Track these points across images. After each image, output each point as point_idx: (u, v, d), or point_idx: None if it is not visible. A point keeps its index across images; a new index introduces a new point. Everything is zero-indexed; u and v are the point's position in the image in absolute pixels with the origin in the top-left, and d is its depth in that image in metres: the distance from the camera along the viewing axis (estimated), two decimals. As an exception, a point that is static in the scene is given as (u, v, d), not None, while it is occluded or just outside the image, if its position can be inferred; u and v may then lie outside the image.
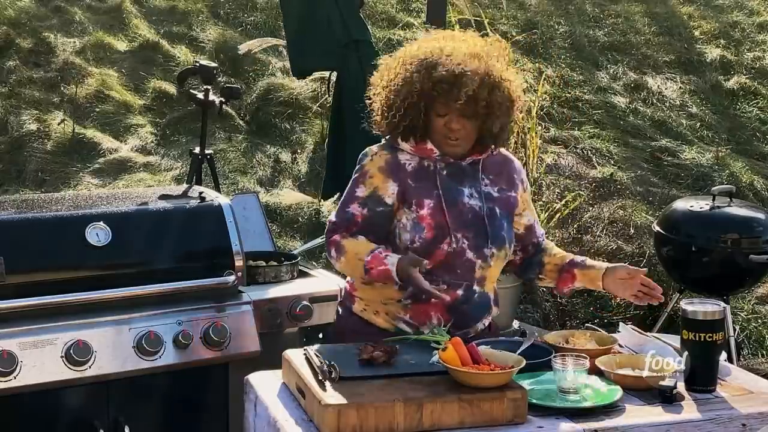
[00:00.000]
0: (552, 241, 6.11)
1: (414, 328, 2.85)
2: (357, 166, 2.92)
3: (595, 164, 7.68)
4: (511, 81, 2.86)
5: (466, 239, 2.82)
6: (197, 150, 5.30)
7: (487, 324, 2.98)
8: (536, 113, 6.41)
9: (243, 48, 7.83)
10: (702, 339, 2.56)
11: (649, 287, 2.87)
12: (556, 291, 3.11)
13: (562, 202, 6.42)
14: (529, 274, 3.11)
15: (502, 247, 2.89)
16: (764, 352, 5.57)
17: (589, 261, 3.01)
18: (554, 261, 3.05)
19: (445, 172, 2.86)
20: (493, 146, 2.91)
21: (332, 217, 2.91)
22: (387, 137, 2.93)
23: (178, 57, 8.65)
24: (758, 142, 8.43)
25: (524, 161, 6.26)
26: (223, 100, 5.26)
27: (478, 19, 6.61)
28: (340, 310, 3.04)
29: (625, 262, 6.24)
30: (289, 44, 5.90)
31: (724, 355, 2.97)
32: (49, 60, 8.49)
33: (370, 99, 2.95)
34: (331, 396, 2.31)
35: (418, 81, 2.76)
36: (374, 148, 2.93)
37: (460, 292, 2.85)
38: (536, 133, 6.42)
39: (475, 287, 2.87)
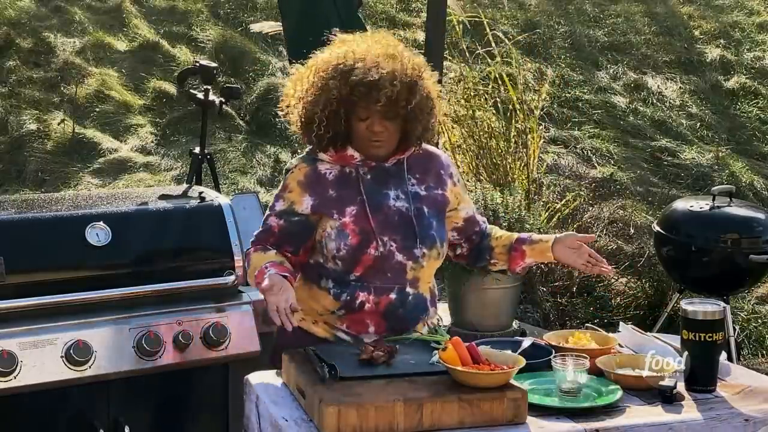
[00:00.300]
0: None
1: (352, 337, 2.81)
2: (282, 180, 2.90)
3: (595, 164, 7.68)
4: (427, 79, 2.82)
5: (393, 242, 2.76)
6: (197, 150, 5.30)
7: (430, 327, 2.91)
8: (537, 113, 6.41)
9: (255, 27, 7.83)
10: (702, 339, 2.56)
11: (596, 258, 2.88)
12: (510, 272, 3.08)
13: (562, 202, 6.43)
14: (480, 262, 3.07)
15: (433, 247, 2.83)
16: (764, 352, 5.58)
17: (535, 236, 2.99)
18: (501, 243, 3.00)
19: (368, 177, 2.81)
20: (416, 145, 2.87)
21: (256, 230, 2.90)
22: (306, 150, 2.88)
23: (178, 57, 8.66)
24: (758, 142, 8.43)
25: (525, 161, 6.27)
26: (223, 100, 5.26)
27: (477, 19, 6.61)
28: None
29: (625, 262, 6.27)
30: (287, 44, 5.90)
31: (724, 355, 2.96)
32: (49, 60, 8.50)
33: (283, 111, 2.89)
34: (331, 396, 2.31)
35: (335, 88, 2.70)
36: (295, 161, 2.89)
37: (393, 295, 2.79)
38: (537, 133, 6.42)
39: (408, 289, 2.81)
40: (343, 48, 2.78)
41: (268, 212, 2.88)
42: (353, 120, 2.75)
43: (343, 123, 2.74)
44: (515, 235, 3.02)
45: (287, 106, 2.86)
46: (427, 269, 2.85)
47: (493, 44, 6.53)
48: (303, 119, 2.79)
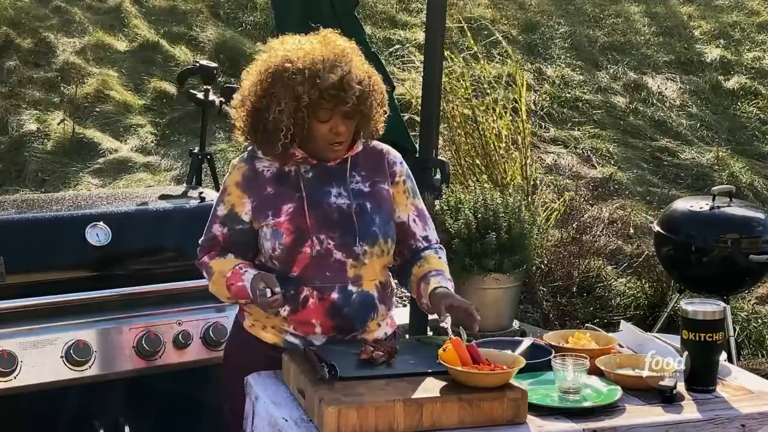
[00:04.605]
0: (551, 240, 6.16)
1: (301, 339, 2.74)
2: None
3: (595, 164, 7.68)
4: (374, 73, 2.77)
5: (331, 239, 2.69)
6: (197, 150, 5.30)
7: (390, 333, 2.86)
8: (523, 113, 6.43)
9: None
10: (702, 339, 2.56)
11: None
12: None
13: (560, 201, 6.44)
14: (403, 283, 2.89)
15: (375, 243, 2.73)
16: (764, 352, 5.58)
17: (433, 278, 2.75)
18: (419, 273, 2.80)
19: (310, 175, 2.75)
20: (365, 141, 2.82)
21: (201, 238, 2.84)
22: (249, 149, 2.82)
23: (178, 57, 8.66)
24: (758, 142, 8.44)
25: (522, 162, 6.28)
26: (223, 100, 5.26)
27: (475, 19, 6.62)
28: (234, 326, 2.93)
29: (625, 263, 6.27)
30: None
31: (724, 355, 2.97)
32: (49, 60, 8.49)
33: (232, 120, 2.81)
34: (331, 396, 2.31)
35: (304, 93, 2.62)
36: (235, 161, 2.82)
37: (335, 295, 2.71)
38: (527, 131, 6.43)
39: (351, 287, 2.72)
40: (297, 51, 2.68)
41: (211, 218, 2.82)
42: (313, 123, 2.68)
43: (306, 126, 2.67)
44: (430, 268, 2.79)
45: (245, 113, 2.74)
46: (371, 266, 2.75)
47: (473, 47, 6.53)
48: (266, 128, 2.68)
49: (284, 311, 2.72)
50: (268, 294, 2.58)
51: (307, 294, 2.71)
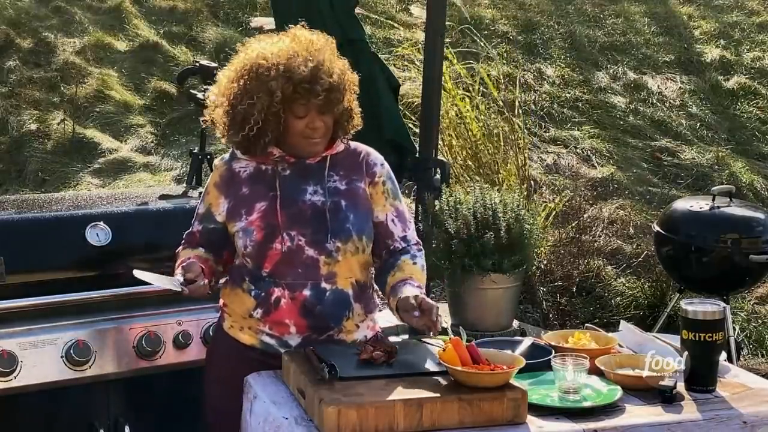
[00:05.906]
0: (550, 240, 6.15)
1: (277, 339, 2.75)
2: None
3: (595, 164, 7.68)
4: (347, 69, 2.78)
5: (302, 236, 2.70)
6: (197, 150, 5.30)
7: (370, 336, 2.85)
8: (518, 112, 6.42)
9: (255, 23, 7.80)
10: (702, 339, 2.56)
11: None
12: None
13: (557, 200, 6.44)
14: (382, 291, 2.85)
15: (348, 239, 2.72)
16: (764, 352, 5.58)
17: (401, 289, 2.70)
18: (392, 283, 2.76)
19: (287, 173, 2.77)
20: (342, 139, 2.83)
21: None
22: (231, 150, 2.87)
23: (178, 57, 8.66)
24: (758, 142, 8.44)
25: (521, 161, 6.28)
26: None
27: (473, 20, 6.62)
28: (216, 328, 2.97)
29: (624, 262, 6.27)
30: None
31: (724, 355, 2.97)
32: (49, 60, 8.50)
33: (207, 119, 2.85)
34: (331, 396, 2.31)
35: (278, 88, 2.63)
36: (216, 161, 2.90)
37: (307, 292, 2.71)
38: (516, 131, 6.43)
39: (324, 285, 2.72)
40: (270, 48, 2.72)
41: (194, 215, 2.90)
42: (289, 119, 2.70)
43: (281, 123, 2.70)
44: (401, 277, 2.76)
45: (224, 112, 2.76)
46: (345, 263, 2.74)
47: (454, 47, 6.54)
48: (241, 124, 2.70)
49: (257, 313, 2.74)
50: (179, 276, 2.70)
51: (278, 294, 2.72)
